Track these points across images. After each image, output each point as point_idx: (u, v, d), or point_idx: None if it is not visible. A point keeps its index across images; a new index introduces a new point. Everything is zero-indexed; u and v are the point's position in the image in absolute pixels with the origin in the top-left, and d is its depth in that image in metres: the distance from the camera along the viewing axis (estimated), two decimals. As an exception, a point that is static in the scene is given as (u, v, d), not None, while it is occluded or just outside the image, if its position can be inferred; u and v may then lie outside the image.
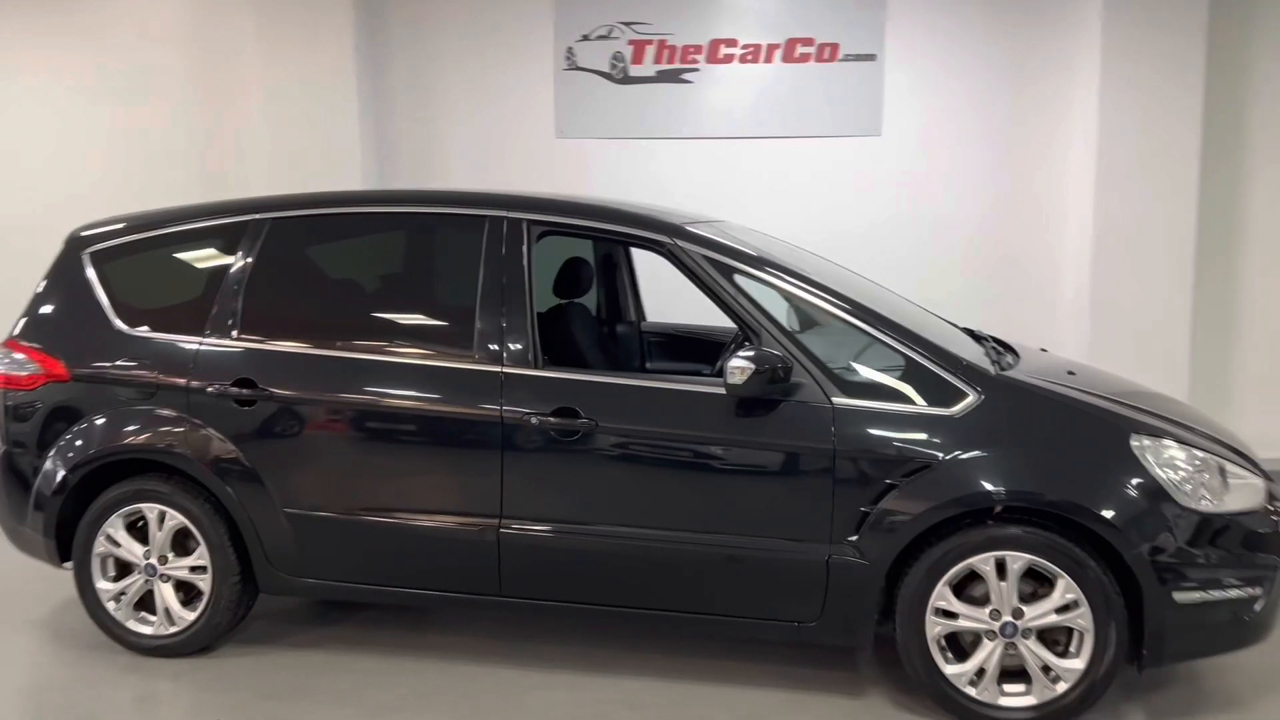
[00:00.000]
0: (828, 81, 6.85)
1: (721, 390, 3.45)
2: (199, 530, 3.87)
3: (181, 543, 3.94)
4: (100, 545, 3.97)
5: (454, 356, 3.70)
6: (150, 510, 3.91)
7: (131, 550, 3.95)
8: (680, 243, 3.64)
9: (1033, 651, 3.33)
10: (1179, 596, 3.24)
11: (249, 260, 3.91)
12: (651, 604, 3.63)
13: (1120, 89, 6.40)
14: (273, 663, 3.93)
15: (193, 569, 3.92)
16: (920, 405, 3.40)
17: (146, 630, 3.98)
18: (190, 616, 3.93)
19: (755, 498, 3.48)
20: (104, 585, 3.99)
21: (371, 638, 4.14)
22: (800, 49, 6.87)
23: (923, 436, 3.36)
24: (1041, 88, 6.68)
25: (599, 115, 7.01)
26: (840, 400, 3.41)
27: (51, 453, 3.97)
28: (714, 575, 3.53)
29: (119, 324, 3.98)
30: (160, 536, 3.92)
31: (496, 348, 3.64)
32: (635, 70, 6.95)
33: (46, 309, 4.12)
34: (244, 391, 3.79)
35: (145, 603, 3.99)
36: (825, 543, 3.41)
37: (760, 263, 3.62)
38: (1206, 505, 3.30)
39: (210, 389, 3.82)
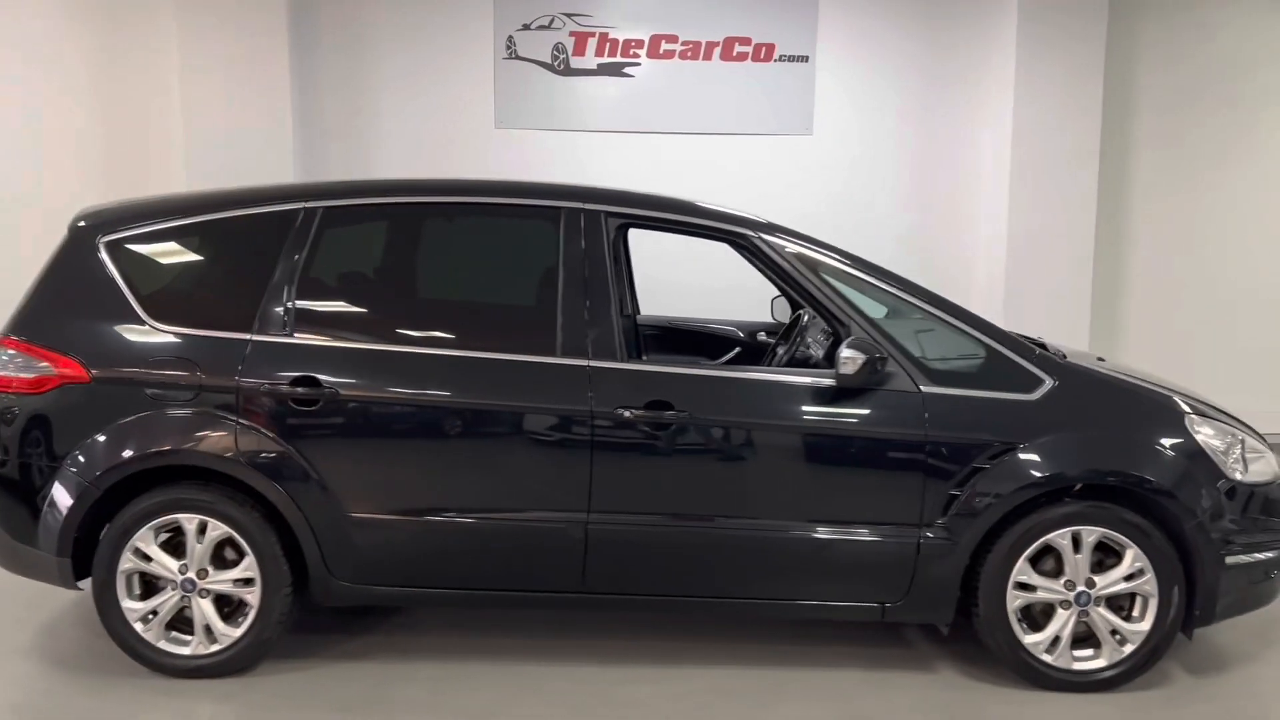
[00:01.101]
0: (763, 80, 7.04)
1: (816, 381, 3.55)
2: (247, 540, 3.61)
3: (218, 554, 3.66)
4: (127, 561, 3.63)
5: (535, 350, 3.61)
6: (189, 521, 3.62)
7: (165, 565, 3.64)
8: (765, 236, 3.71)
9: (1103, 617, 3.60)
10: (1229, 560, 3.58)
11: (302, 251, 3.67)
12: (740, 594, 3.68)
13: (1030, 96, 6.90)
14: (328, 676, 3.72)
15: (237, 582, 3.66)
16: (1003, 392, 3.60)
17: (182, 650, 3.68)
18: (235, 633, 3.67)
19: (850, 485, 3.59)
20: (131, 604, 3.66)
21: (419, 643, 3.98)
22: (739, 48, 7.02)
23: (1007, 421, 3.56)
24: (959, 93, 7.13)
25: (539, 106, 6.93)
26: (929, 388, 3.57)
27: (68, 462, 3.60)
28: (805, 562, 3.62)
29: (149, 319, 3.65)
30: (201, 549, 3.63)
31: (581, 341, 3.58)
32: (576, 62, 6.91)
33: (53, 303, 3.71)
34: (306, 391, 3.57)
35: (175, 621, 3.69)
36: (916, 526, 3.56)
37: (845, 257, 3.73)
38: (1241, 476, 3.66)
39: (266, 389, 3.57)
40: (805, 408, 3.57)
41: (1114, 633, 3.61)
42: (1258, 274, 7.36)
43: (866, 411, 3.55)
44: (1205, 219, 7.39)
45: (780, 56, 7.06)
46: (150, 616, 3.66)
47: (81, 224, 3.78)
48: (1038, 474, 3.52)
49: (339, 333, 3.65)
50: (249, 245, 3.77)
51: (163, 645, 3.68)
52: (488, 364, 3.61)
